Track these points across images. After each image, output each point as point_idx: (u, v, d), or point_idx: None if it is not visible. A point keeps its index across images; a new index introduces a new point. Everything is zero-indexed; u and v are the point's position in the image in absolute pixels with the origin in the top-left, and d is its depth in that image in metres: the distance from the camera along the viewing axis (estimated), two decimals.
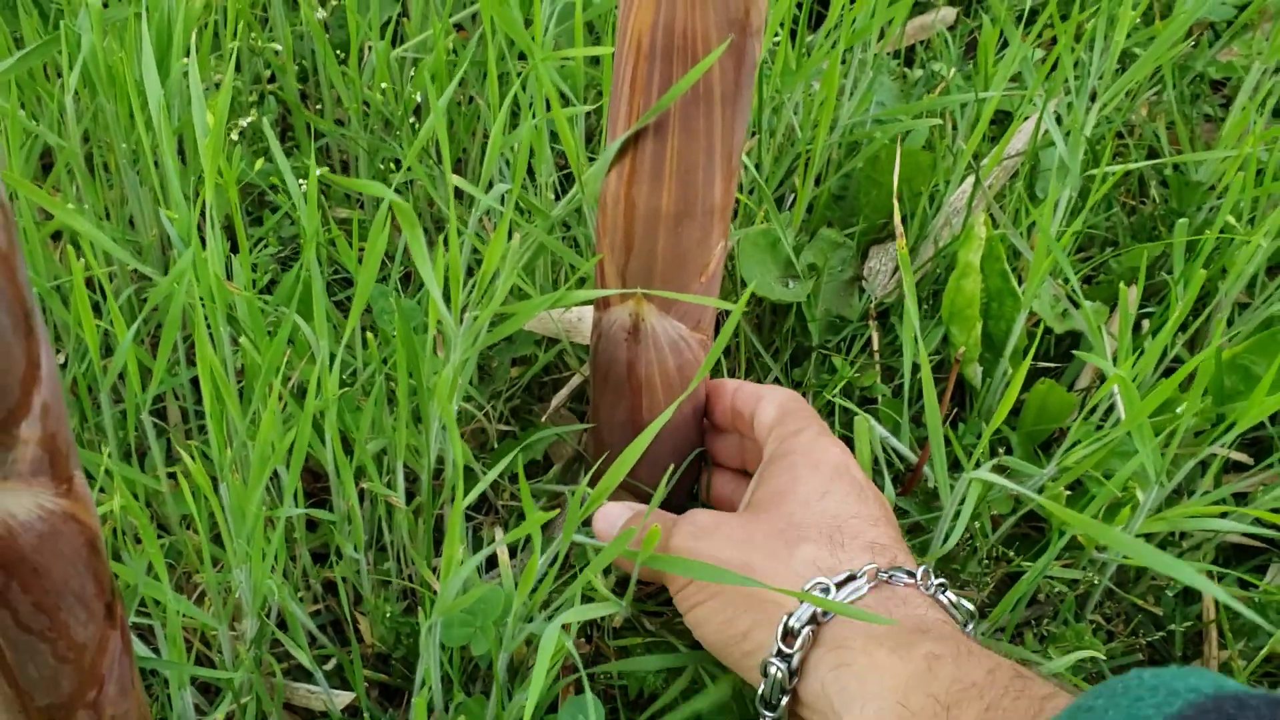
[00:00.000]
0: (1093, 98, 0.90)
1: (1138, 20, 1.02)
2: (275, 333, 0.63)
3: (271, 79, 0.99)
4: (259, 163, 0.69)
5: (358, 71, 0.88)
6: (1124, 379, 0.63)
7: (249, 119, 0.76)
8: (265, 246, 0.83)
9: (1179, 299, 0.78)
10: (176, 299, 0.64)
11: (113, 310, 0.64)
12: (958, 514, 0.79)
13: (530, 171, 0.90)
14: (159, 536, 0.79)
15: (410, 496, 0.76)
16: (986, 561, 0.80)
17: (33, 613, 0.43)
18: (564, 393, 0.88)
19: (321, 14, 0.87)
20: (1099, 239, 0.99)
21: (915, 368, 0.84)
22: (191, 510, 0.63)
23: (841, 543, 0.63)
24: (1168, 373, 0.90)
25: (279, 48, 0.85)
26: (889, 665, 0.55)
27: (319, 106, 0.98)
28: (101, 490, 0.75)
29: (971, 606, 0.63)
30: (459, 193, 0.94)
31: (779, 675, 0.59)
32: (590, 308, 0.86)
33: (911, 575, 0.61)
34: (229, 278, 0.71)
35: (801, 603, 0.59)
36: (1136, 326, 0.92)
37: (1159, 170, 1.03)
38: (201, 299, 0.63)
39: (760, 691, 0.61)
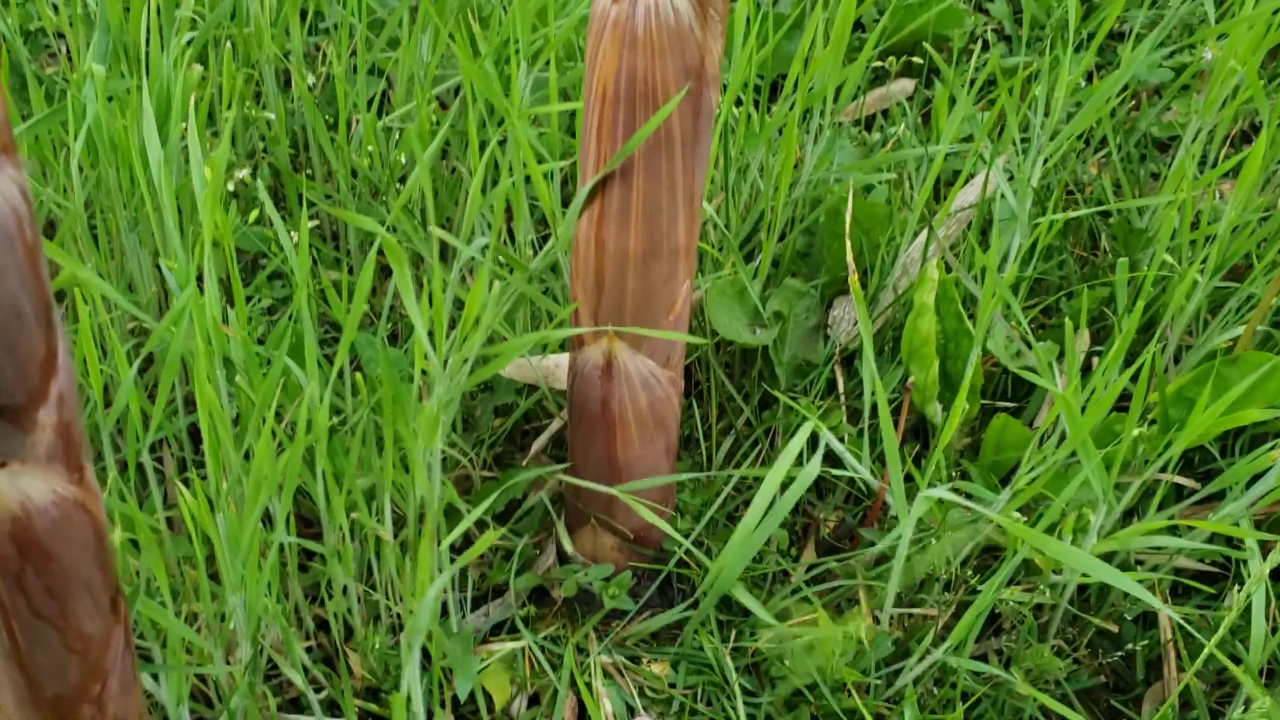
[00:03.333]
0: (1039, 151, 0.96)
1: (1080, 82, 1.08)
2: (268, 374, 0.68)
3: (266, 150, 1.04)
4: (254, 213, 0.74)
5: (345, 140, 0.93)
6: (1063, 397, 0.67)
7: (243, 172, 0.81)
8: (259, 301, 0.88)
9: (1121, 330, 0.82)
10: (175, 342, 0.69)
11: (116, 352, 0.69)
12: (918, 540, 0.83)
13: (511, 232, 0.95)
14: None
15: (400, 532, 0.79)
16: (946, 588, 0.84)
17: (45, 598, 0.47)
18: (544, 438, 0.92)
19: (311, 79, 0.92)
20: (1052, 285, 1.04)
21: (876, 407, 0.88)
22: (191, 547, 0.67)
23: None
24: (1120, 410, 0.95)
25: (271, 116, 0.91)
26: None
27: (309, 172, 1.03)
28: None
29: None
30: (443, 250, 0.99)
31: None
32: (566, 356, 0.90)
33: None
34: (224, 324, 0.75)
35: None
36: (1087, 367, 0.96)
37: (1108, 223, 1.08)
38: (197, 341, 0.67)
39: None
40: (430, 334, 0.68)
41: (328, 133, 0.94)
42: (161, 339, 0.73)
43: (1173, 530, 0.87)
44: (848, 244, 0.74)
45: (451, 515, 0.92)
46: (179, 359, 0.68)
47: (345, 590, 0.76)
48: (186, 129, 0.75)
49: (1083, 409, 0.77)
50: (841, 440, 0.93)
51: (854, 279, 0.72)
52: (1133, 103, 1.23)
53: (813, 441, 0.92)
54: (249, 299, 0.87)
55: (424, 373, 0.70)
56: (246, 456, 0.73)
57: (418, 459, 0.69)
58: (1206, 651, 0.73)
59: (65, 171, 0.83)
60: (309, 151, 1.03)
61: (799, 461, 0.77)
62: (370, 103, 0.99)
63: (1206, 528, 0.75)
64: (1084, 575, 0.80)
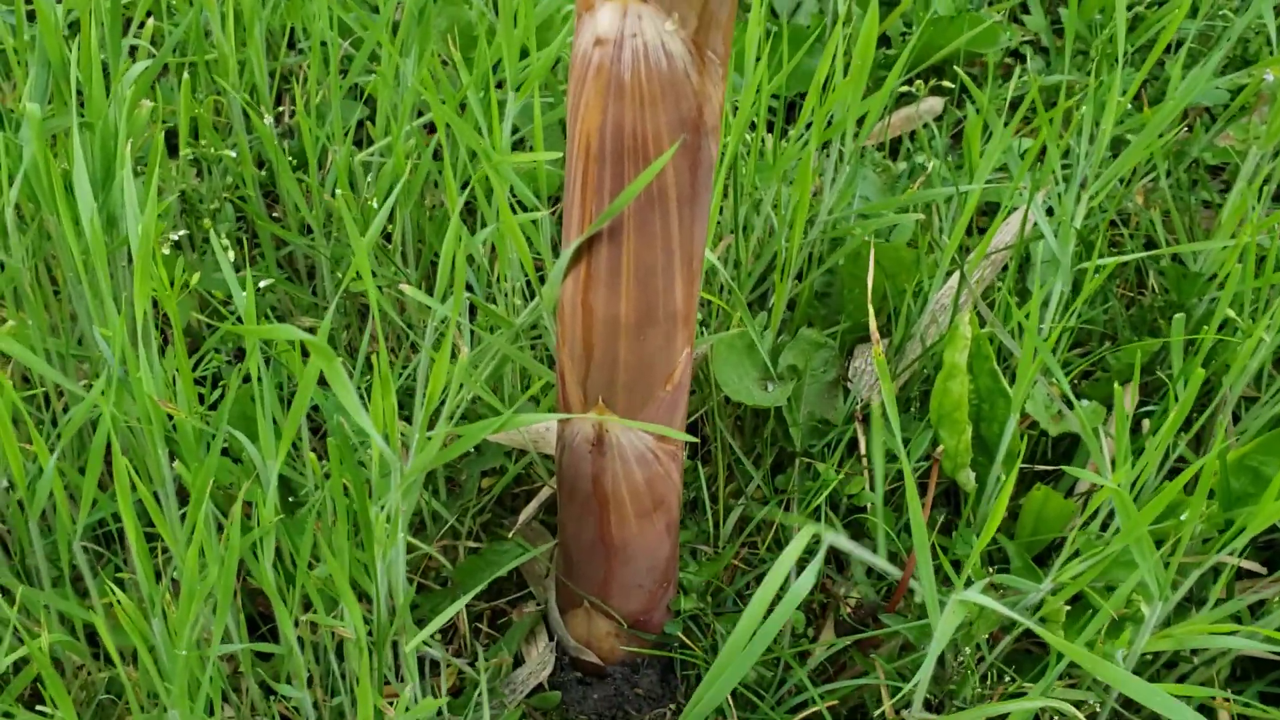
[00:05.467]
0: (1083, 185, 0.87)
1: (1128, 107, 0.99)
2: (207, 457, 0.59)
3: (238, 190, 0.96)
4: (195, 276, 0.66)
5: (315, 179, 0.85)
6: (1118, 492, 0.58)
7: (182, 233, 0.73)
8: (209, 362, 0.80)
9: (1178, 397, 0.73)
10: (103, 422, 0.60)
11: (34, 437, 0.60)
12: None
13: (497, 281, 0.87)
14: (101, 669, 0.75)
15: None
16: (982, 685, 0.75)
17: None
18: (533, 506, 0.84)
19: (289, 106, 0.84)
20: (1096, 333, 0.94)
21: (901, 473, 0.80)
22: (134, 642, 0.59)
23: None
24: (1172, 474, 0.85)
25: (234, 153, 0.82)
26: None
27: (278, 215, 0.95)
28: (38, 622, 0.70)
29: None
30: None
31: None
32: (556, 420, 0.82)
33: None
34: (174, 395, 0.67)
35: None
36: (1136, 426, 0.87)
37: (1156, 260, 0.99)
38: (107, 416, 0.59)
39: None
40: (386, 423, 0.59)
41: (302, 168, 0.85)
42: (90, 415, 0.65)
43: (1234, 618, 0.78)
44: (869, 303, 0.65)
45: (426, 591, 0.84)
46: (104, 441, 0.60)
47: (294, 690, 0.67)
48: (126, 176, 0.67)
49: (1135, 493, 0.68)
50: (863, 511, 0.84)
51: (878, 350, 0.63)
52: (1183, 124, 1.13)
53: (832, 501, 0.83)
54: (202, 356, 0.79)
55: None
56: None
57: (375, 560, 0.60)
58: None
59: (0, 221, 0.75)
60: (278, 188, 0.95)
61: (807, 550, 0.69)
62: (348, 133, 0.91)
63: (1267, 634, 0.65)
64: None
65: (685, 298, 0.64)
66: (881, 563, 0.74)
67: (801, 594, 0.61)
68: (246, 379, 0.91)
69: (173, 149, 0.97)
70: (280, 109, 1.10)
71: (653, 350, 0.66)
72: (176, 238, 0.72)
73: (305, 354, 0.62)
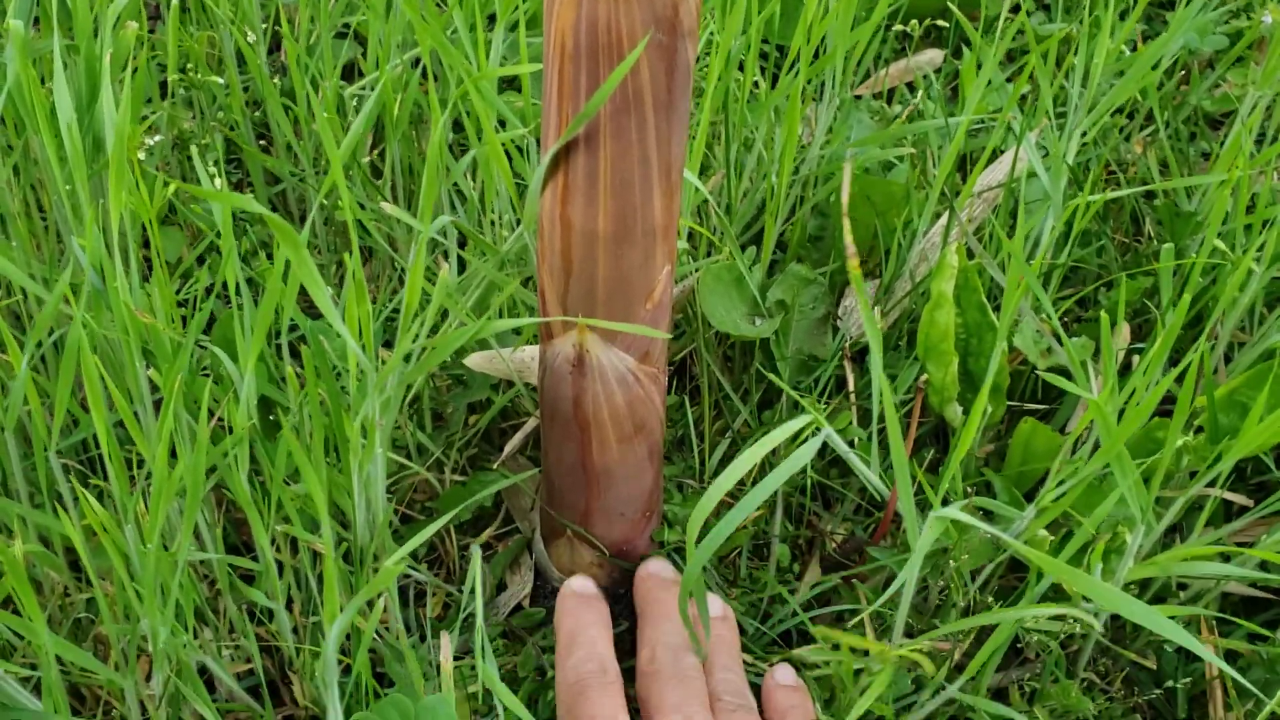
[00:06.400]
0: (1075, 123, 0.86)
1: (1124, 50, 0.98)
2: (174, 361, 0.59)
3: (233, 129, 0.96)
4: (172, 185, 0.66)
5: (305, 110, 0.84)
6: (1096, 402, 0.57)
7: (158, 138, 0.73)
8: (195, 282, 0.79)
9: (1165, 325, 0.72)
10: (74, 329, 0.60)
11: (7, 340, 0.60)
12: (931, 556, 0.74)
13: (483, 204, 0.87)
14: (81, 588, 0.74)
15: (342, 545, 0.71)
16: (965, 613, 0.74)
17: None
18: (518, 437, 0.83)
19: (261, 52, 0.84)
20: (1090, 274, 0.94)
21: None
22: (107, 549, 0.59)
23: None
24: (1163, 415, 0.85)
25: (223, 80, 0.82)
26: None
27: (263, 138, 0.94)
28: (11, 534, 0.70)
29: None
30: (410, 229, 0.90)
31: None
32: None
33: None
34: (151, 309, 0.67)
35: None
36: (1127, 366, 0.86)
37: (1152, 205, 0.98)
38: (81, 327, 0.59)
39: None
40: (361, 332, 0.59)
41: (293, 102, 0.85)
42: (62, 322, 0.65)
43: (1221, 553, 0.77)
44: (845, 223, 0.64)
45: (411, 522, 0.84)
46: (76, 347, 0.59)
47: (275, 612, 0.67)
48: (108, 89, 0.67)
49: (1120, 415, 0.67)
50: (851, 444, 0.83)
51: (852, 259, 0.62)
52: (1182, 73, 1.12)
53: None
54: (187, 277, 0.79)
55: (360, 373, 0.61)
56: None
57: (351, 470, 0.60)
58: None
59: None
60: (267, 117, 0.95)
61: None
62: (338, 67, 0.90)
63: (1260, 555, 0.65)
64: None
65: (664, 210, 0.64)
66: (867, 473, 0.73)
67: (802, 462, 0.60)
68: (228, 302, 0.91)
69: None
70: (274, 55, 1.10)
71: (631, 266, 0.65)
72: (152, 143, 0.71)
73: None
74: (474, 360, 0.81)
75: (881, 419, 0.78)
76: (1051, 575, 0.64)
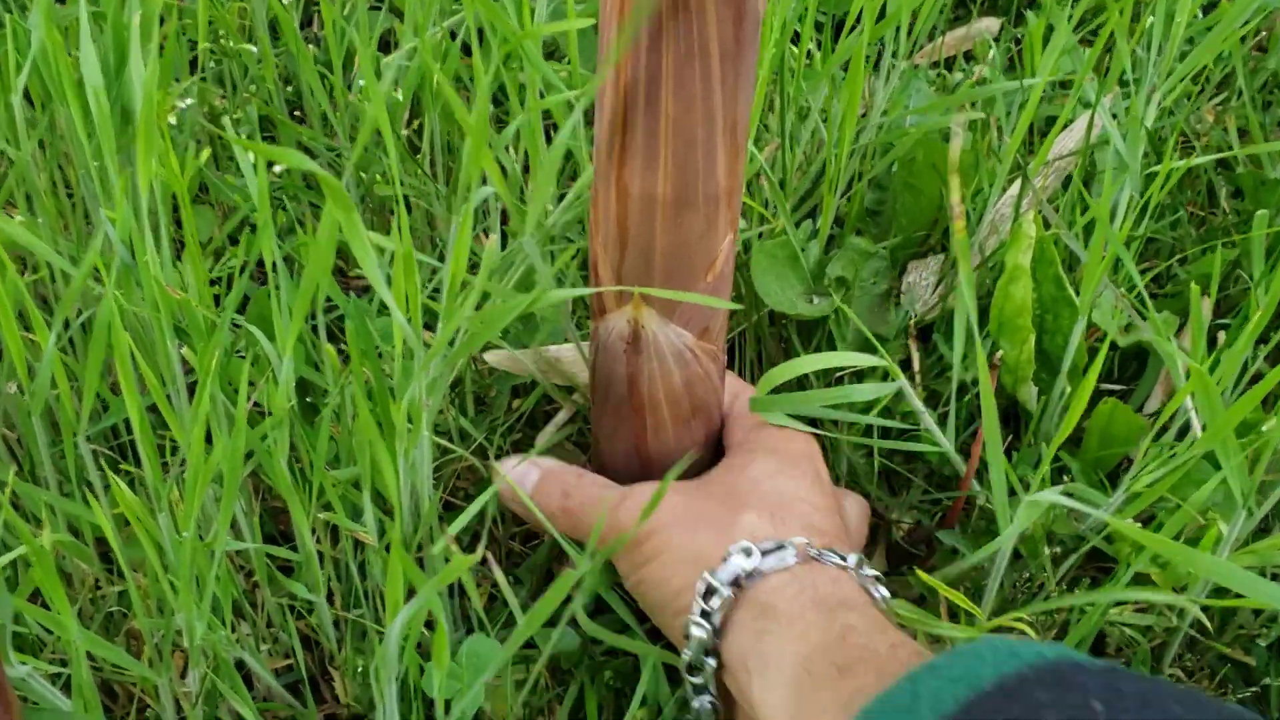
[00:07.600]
0: (1154, 89, 0.81)
1: (1198, 13, 0.93)
2: (210, 340, 0.55)
3: (267, 103, 0.92)
4: (205, 152, 0.62)
5: (340, 79, 0.81)
6: (1203, 374, 0.53)
7: (189, 101, 0.69)
8: (230, 259, 0.76)
9: (1259, 304, 0.67)
10: (105, 304, 0.56)
11: (35, 320, 0.57)
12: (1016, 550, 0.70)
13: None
14: (113, 581, 0.71)
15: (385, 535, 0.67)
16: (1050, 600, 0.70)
17: None
18: (561, 416, 0.79)
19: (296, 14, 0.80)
20: (1164, 248, 0.89)
21: (961, 388, 0.74)
22: (140, 538, 0.55)
23: (783, 519, 0.63)
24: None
25: (254, 49, 0.78)
26: (806, 633, 0.55)
27: (297, 115, 0.91)
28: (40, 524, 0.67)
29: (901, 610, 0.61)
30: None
31: (702, 636, 0.58)
32: (568, 347, 0.77)
33: (844, 559, 0.60)
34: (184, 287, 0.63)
35: (725, 560, 0.59)
36: (1212, 341, 0.81)
37: (1231, 177, 0.93)
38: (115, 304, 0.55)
39: (685, 657, 0.60)
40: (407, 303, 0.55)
41: (329, 70, 0.81)
42: (89, 303, 0.61)
43: None
44: (954, 180, 0.60)
45: (454, 510, 0.80)
46: (106, 326, 0.56)
47: (315, 606, 0.63)
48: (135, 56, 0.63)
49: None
50: (917, 427, 0.79)
51: (958, 220, 0.58)
52: (1256, 39, 1.06)
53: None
54: (219, 256, 0.75)
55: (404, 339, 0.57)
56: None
57: (397, 454, 0.56)
58: None
59: (9, 112, 0.71)
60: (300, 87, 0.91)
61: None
62: (374, 37, 0.86)
63: None
64: (1211, 595, 0.66)
65: (728, 174, 0.59)
66: (949, 446, 0.69)
67: (881, 392, 0.56)
68: (262, 282, 0.87)
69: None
70: (304, 31, 1.06)
71: (692, 235, 0.61)
72: (184, 106, 0.67)
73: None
74: (493, 357, 0.77)
75: (949, 400, 0.74)
76: (1154, 556, 0.60)
